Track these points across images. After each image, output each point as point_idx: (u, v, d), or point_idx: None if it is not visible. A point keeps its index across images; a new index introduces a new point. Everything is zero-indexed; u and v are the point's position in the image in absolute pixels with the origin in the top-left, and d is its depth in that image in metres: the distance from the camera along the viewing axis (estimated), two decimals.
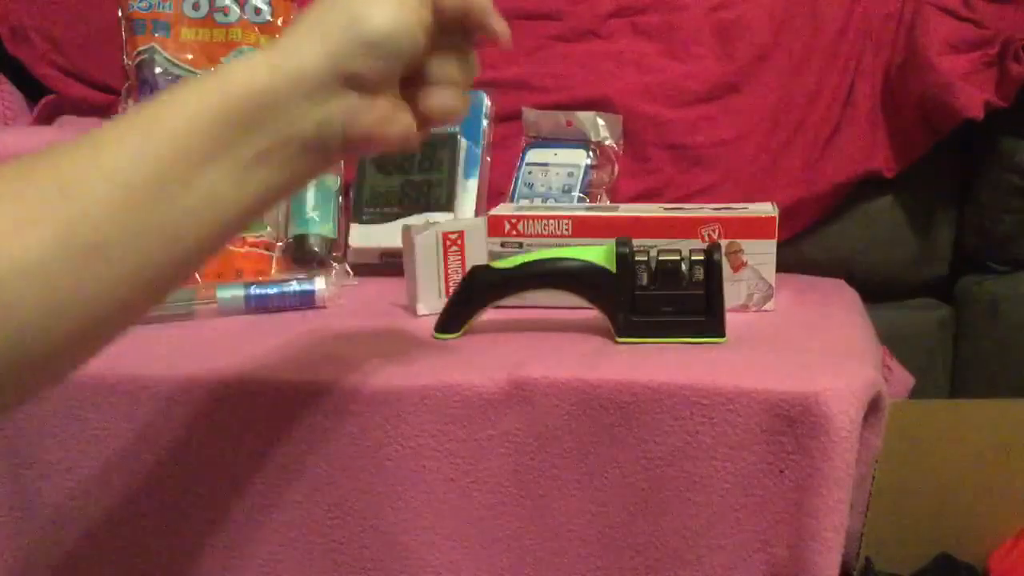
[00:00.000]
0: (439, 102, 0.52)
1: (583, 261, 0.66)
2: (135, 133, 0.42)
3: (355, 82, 0.46)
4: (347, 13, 0.46)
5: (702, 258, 0.65)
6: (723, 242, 0.74)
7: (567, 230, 0.76)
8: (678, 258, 0.65)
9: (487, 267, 0.69)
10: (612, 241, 0.66)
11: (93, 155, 0.40)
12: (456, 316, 0.69)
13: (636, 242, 0.66)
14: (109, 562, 0.63)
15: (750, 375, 0.56)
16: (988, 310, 1.02)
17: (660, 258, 0.65)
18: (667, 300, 0.66)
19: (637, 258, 0.65)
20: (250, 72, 0.44)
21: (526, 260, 0.68)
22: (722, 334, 0.66)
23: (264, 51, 0.45)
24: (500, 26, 0.53)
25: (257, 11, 1.04)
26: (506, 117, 1.05)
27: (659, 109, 1.05)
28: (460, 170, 1.00)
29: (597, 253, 0.66)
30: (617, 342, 0.66)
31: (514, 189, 1.01)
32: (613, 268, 0.65)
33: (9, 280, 0.36)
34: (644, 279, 0.65)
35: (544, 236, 0.76)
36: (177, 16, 1.02)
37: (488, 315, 0.72)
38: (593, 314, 0.68)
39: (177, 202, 0.42)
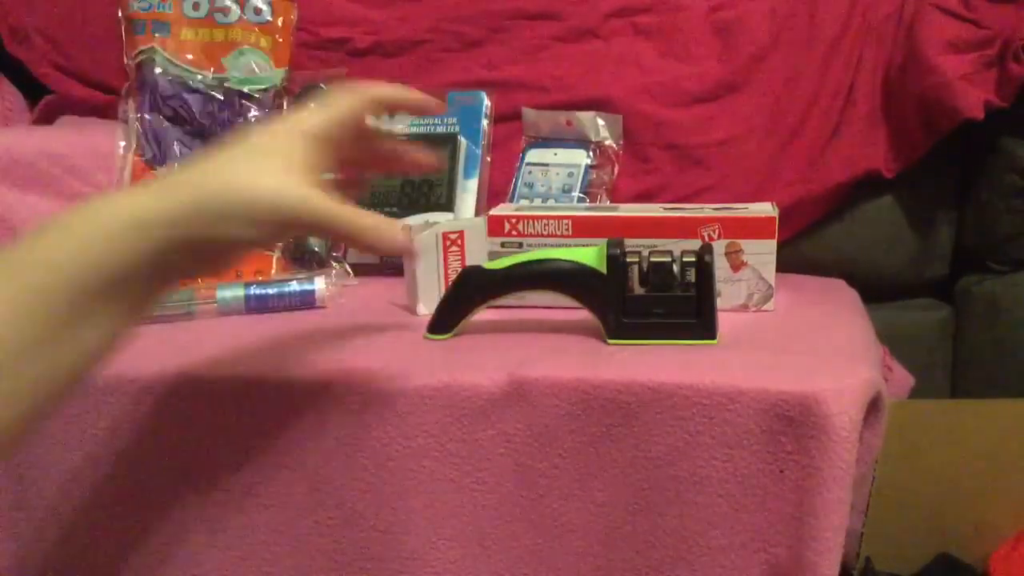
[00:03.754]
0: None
1: (574, 263, 0.66)
2: (12, 299, 0.42)
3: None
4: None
5: (693, 260, 0.65)
6: (723, 242, 0.74)
7: (567, 230, 0.76)
8: (669, 260, 0.65)
9: (478, 268, 0.69)
10: (604, 242, 0.66)
11: None
12: (447, 317, 0.69)
13: (630, 242, 0.66)
14: (108, 562, 0.63)
15: (750, 375, 0.56)
16: (988, 310, 1.02)
17: (651, 259, 0.65)
18: (658, 302, 0.65)
19: (628, 259, 0.65)
20: (115, 245, 0.45)
21: (517, 261, 0.67)
22: (712, 336, 0.66)
23: (139, 214, 0.46)
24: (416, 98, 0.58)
25: (257, 11, 1.04)
26: (506, 117, 1.05)
27: (659, 109, 1.05)
28: (460, 170, 1.00)
29: (588, 254, 0.66)
30: (608, 343, 0.66)
31: (514, 189, 1.01)
32: (604, 269, 0.65)
33: None
34: (635, 281, 0.65)
35: (544, 236, 0.76)
36: (177, 16, 1.02)
37: (487, 315, 0.72)
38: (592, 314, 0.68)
39: (50, 358, 0.43)
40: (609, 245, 0.65)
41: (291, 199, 0.49)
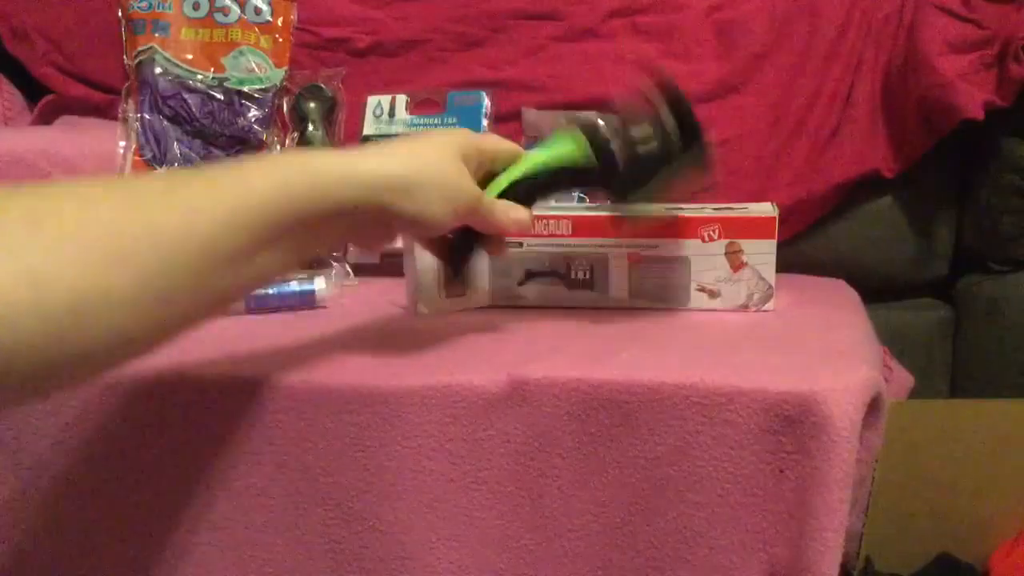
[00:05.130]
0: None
1: (565, 167, 0.65)
2: (226, 206, 0.47)
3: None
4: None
5: (664, 97, 0.65)
6: (723, 242, 0.74)
7: (567, 230, 0.76)
8: (648, 125, 0.65)
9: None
10: (573, 134, 0.65)
11: (188, 218, 0.45)
12: (456, 253, 0.68)
13: (599, 118, 0.66)
14: (107, 563, 0.63)
15: (750, 375, 0.56)
16: (988, 310, 1.02)
17: (631, 135, 0.65)
18: (647, 147, 0.65)
19: (613, 147, 0.64)
20: (327, 188, 0.52)
21: (511, 182, 0.65)
22: (709, 167, 0.66)
23: (357, 170, 0.53)
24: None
25: (257, 11, 1.04)
26: (506, 117, 1.05)
27: None
28: None
29: (571, 151, 0.65)
30: (626, 202, 0.67)
31: None
32: (594, 160, 0.65)
33: (93, 307, 0.41)
34: (622, 158, 0.65)
35: (544, 236, 0.76)
36: (177, 16, 1.02)
37: (488, 315, 0.72)
38: (593, 314, 0.68)
39: (238, 271, 0.48)
40: (588, 135, 0.65)
41: (476, 190, 0.60)
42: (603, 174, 0.65)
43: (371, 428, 0.59)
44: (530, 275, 0.78)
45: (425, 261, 0.75)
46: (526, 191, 0.65)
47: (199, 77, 1.01)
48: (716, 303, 0.76)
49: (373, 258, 0.97)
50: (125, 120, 1.01)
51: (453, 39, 1.09)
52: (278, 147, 1.03)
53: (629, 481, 0.58)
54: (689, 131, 0.65)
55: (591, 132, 0.65)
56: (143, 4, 1.02)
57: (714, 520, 0.56)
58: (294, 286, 0.81)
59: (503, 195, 0.64)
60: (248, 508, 0.61)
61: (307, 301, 0.81)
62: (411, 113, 1.03)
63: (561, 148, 0.65)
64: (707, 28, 1.07)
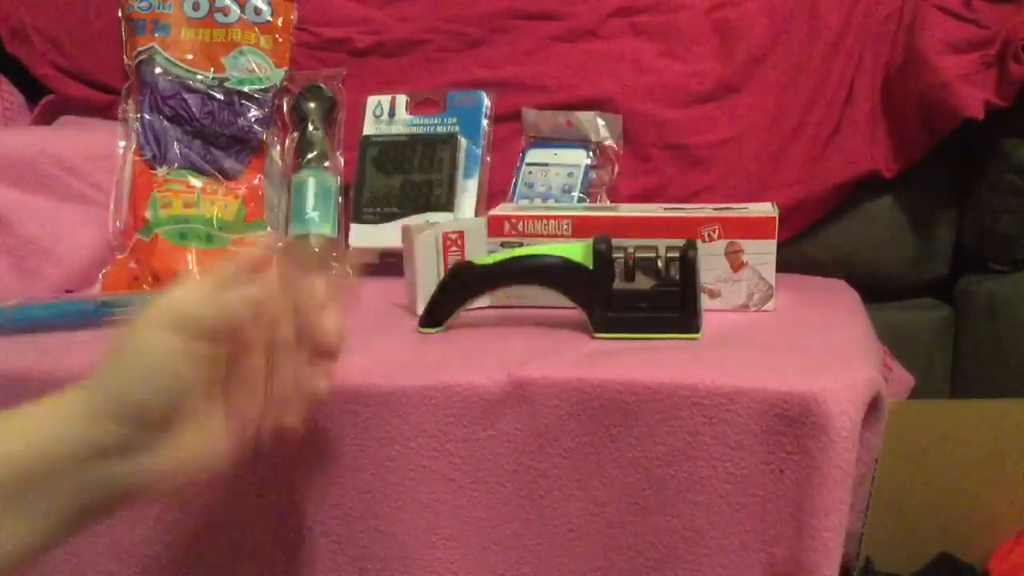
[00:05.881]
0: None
1: (560, 258, 0.68)
2: None
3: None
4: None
5: (677, 255, 0.66)
6: (723, 242, 0.74)
7: (567, 230, 0.76)
8: (654, 255, 0.67)
9: (468, 263, 0.70)
10: (592, 238, 0.67)
11: None
12: (438, 311, 0.70)
13: (615, 241, 0.67)
14: (108, 563, 0.63)
15: (750, 375, 0.56)
16: (988, 310, 1.02)
17: (637, 255, 0.67)
18: (642, 297, 0.67)
19: (614, 255, 0.67)
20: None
21: (506, 257, 0.69)
22: (696, 330, 0.67)
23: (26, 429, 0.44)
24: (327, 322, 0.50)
25: (257, 11, 1.04)
26: (506, 117, 1.05)
27: (659, 109, 1.05)
28: (460, 170, 1.00)
29: (575, 250, 0.67)
30: (594, 337, 0.67)
31: (514, 189, 1.01)
32: (591, 265, 0.66)
33: None
34: (620, 276, 0.67)
35: (544, 236, 0.76)
36: (177, 16, 1.02)
37: (486, 314, 0.72)
38: None
39: None
40: (595, 241, 0.67)
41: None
42: (591, 281, 0.67)
43: (371, 428, 0.59)
44: None
45: (425, 261, 0.75)
46: (515, 266, 0.68)
47: (199, 77, 1.01)
48: (716, 303, 0.76)
49: (373, 259, 0.97)
50: (125, 120, 1.01)
51: (453, 39, 1.09)
52: (278, 147, 1.03)
53: (629, 481, 0.58)
54: (690, 306, 0.67)
55: (601, 242, 0.67)
56: (143, 4, 1.02)
57: (714, 520, 0.56)
58: None
59: (497, 265, 0.68)
60: (247, 509, 0.61)
61: None
62: (411, 113, 1.03)
63: (569, 247, 0.68)
64: (707, 28, 1.07)
